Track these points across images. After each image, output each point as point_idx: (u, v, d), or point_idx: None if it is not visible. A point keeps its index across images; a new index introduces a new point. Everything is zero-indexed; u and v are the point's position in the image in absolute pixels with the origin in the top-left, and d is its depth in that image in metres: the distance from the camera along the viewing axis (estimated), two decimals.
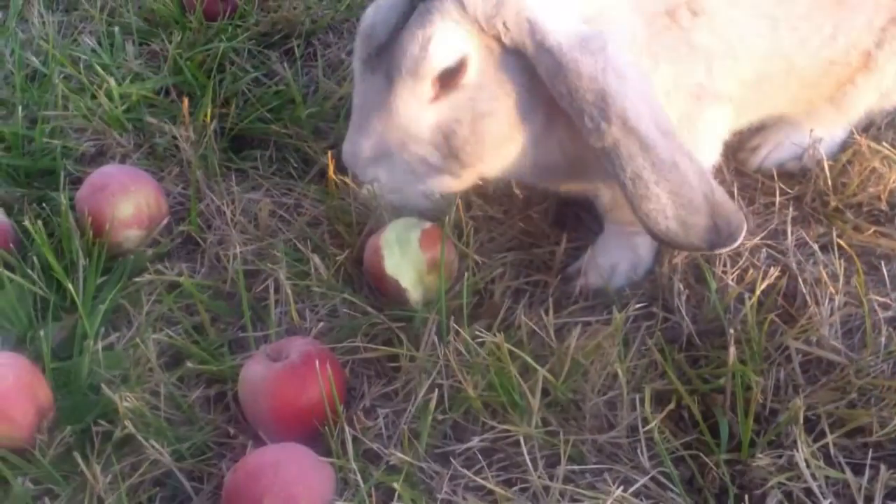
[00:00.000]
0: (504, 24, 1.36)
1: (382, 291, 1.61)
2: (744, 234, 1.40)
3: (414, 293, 1.58)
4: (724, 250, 1.43)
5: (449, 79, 1.39)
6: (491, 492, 1.32)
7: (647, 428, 1.37)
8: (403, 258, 1.57)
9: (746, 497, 1.32)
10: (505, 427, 1.38)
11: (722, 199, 1.39)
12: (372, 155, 1.49)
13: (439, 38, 1.37)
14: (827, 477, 1.31)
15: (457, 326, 1.49)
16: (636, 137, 1.33)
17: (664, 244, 1.52)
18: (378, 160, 1.49)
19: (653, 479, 1.34)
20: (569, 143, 1.47)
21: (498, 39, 1.38)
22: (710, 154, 1.62)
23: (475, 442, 1.39)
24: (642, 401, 1.39)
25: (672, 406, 1.41)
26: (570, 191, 1.69)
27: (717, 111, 1.57)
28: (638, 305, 1.57)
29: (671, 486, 1.33)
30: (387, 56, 1.41)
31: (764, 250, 1.65)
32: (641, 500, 1.31)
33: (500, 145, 1.46)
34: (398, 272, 1.57)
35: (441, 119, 1.42)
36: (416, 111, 1.42)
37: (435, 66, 1.38)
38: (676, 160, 1.35)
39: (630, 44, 1.43)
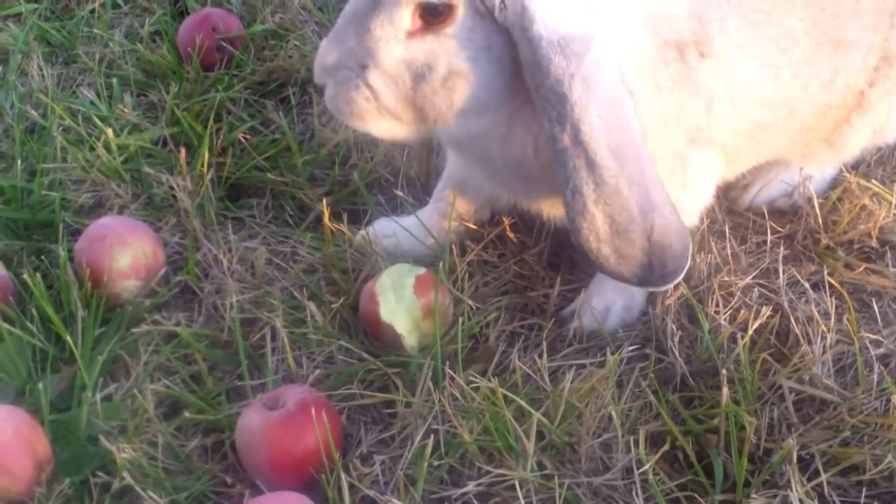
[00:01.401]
0: (502, 0, 1.35)
1: (378, 338, 1.62)
2: (678, 280, 1.39)
3: (409, 339, 1.59)
4: (653, 290, 1.41)
5: (432, 18, 1.36)
6: None
7: (642, 470, 1.37)
8: (399, 304, 1.59)
9: None
10: (501, 472, 1.39)
11: (666, 241, 1.37)
12: (332, 65, 1.44)
13: None
14: None
15: (452, 372, 1.51)
16: (583, 152, 1.32)
17: (596, 267, 1.49)
18: (335, 72, 1.44)
19: None
20: (542, 140, 1.44)
21: (492, 13, 1.36)
22: (700, 195, 1.63)
23: (471, 487, 1.39)
24: (637, 442, 1.40)
25: (667, 447, 1.41)
26: (556, 216, 1.67)
27: (709, 155, 1.57)
28: (632, 347, 1.58)
29: None
30: None
31: (756, 289, 1.67)
32: None
33: (469, 112, 1.43)
34: (393, 318, 1.58)
35: (411, 58, 1.39)
36: (390, 39, 1.39)
37: None
38: (620, 187, 1.33)
39: (632, 62, 1.41)
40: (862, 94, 1.69)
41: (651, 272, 1.38)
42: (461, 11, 1.36)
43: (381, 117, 1.46)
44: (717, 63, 1.48)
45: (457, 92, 1.40)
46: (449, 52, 1.38)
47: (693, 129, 1.51)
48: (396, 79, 1.41)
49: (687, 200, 1.56)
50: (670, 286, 1.41)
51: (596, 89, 1.32)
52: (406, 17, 1.37)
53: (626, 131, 1.35)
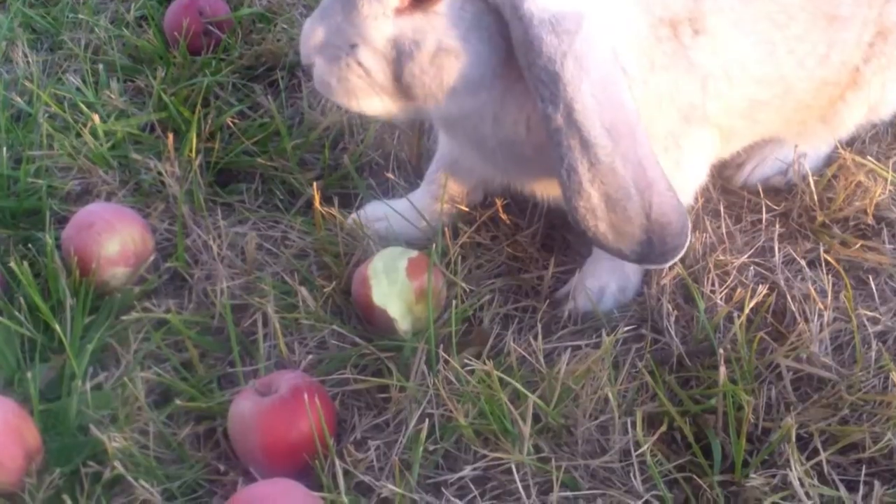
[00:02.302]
0: None
1: (371, 322, 1.60)
2: (678, 257, 1.39)
3: (402, 323, 1.57)
4: (653, 267, 1.40)
5: None
6: None
7: (639, 451, 1.36)
8: (391, 288, 1.57)
9: None
10: (497, 455, 1.37)
11: (665, 219, 1.36)
12: (320, 43, 1.43)
13: None
14: (821, 495, 1.31)
15: (446, 355, 1.49)
16: (577, 131, 1.31)
17: (593, 244, 1.49)
18: (324, 50, 1.43)
19: (647, 503, 1.33)
20: (535, 119, 1.43)
21: None
22: (694, 174, 1.62)
23: (467, 471, 1.38)
24: (634, 424, 1.39)
25: (664, 428, 1.40)
26: (550, 196, 1.66)
27: (703, 134, 1.56)
28: (627, 328, 1.56)
29: None
30: None
31: (752, 268, 1.65)
32: None
33: (459, 91, 1.41)
34: (386, 302, 1.57)
35: (400, 35, 1.37)
36: (378, 16, 1.37)
37: None
38: (616, 165, 1.32)
39: (628, 41, 1.40)
40: (857, 70, 1.67)
41: (651, 249, 1.38)
42: None
43: (373, 94, 1.44)
44: (712, 40, 1.47)
45: (446, 70, 1.38)
46: (438, 29, 1.36)
47: (687, 107, 1.50)
48: (387, 56, 1.39)
49: (681, 179, 1.54)
50: (670, 263, 1.40)
51: (589, 67, 1.30)
52: None
53: (619, 109, 1.33)
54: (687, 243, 1.39)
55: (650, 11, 1.43)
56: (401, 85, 1.41)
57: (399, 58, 1.38)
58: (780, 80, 1.56)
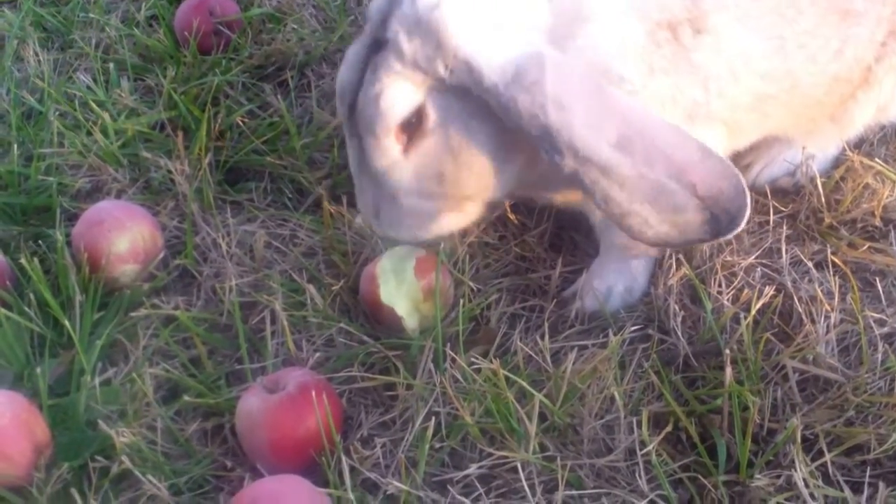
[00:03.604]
0: (445, 67, 1.34)
1: (379, 320, 1.61)
2: (748, 213, 1.31)
3: (410, 321, 1.58)
4: (728, 236, 1.36)
5: (413, 128, 1.39)
6: None
7: (644, 451, 1.36)
8: (399, 287, 1.57)
9: None
10: (502, 454, 1.38)
11: (715, 189, 1.30)
12: (374, 212, 1.49)
13: (387, 94, 1.36)
14: (826, 496, 1.30)
15: (453, 354, 1.50)
16: (592, 164, 1.29)
17: (665, 247, 1.49)
18: (381, 215, 1.49)
19: (651, 502, 1.33)
20: None
21: (446, 83, 1.36)
22: None
23: (473, 469, 1.38)
24: (640, 423, 1.39)
25: (669, 428, 1.40)
26: (569, 202, 1.65)
27: (709, 131, 1.56)
28: (634, 328, 1.57)
29: None
30: (355, 117, 1.42)
31: (759, 269, 1.65)
32: None
33: (492, 168, 1.43)
34: (394, 301, 1.57)
35: (419, 167, 1.41)
36: (392, 166, 1.42)
37: (391, 122, 1.37)
38: (643, 171, 1.29)
39: (625, 46, 1.40)
40: (869, 69, 1.67)
41: (718, 223, 1.32)
42: (428, 103, 1.37)
43: (436, 219, 1.48)
44: (715, 38, 1.47)
45: (475, 162, 1.41)
46: (442, 140, 1.39)
47: (691, 105, 1.50)
48: (422, 188, 1.43)
49: None
50: (741, 228, 1.32)
51: (571, 104, 1.29)
52: (392, 143, 1.40)
53: (619, 120, 1.31)
54: (748, 199, 1.31)
55: (646, 18, 1.42)
56: (452, 195, 1.45)
57: (435, 180, 1.43)
58: (788, 75, 1.55)
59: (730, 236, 1.33)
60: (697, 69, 1.47)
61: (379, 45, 1.38)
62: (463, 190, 1.45)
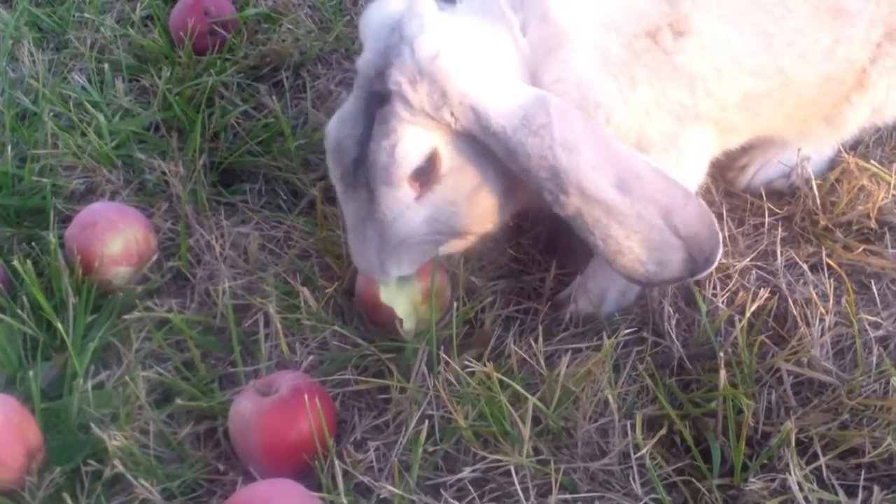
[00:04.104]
0: (451, 114, 1.37)
1: (376, 321, 1.60)
2: (720, 254, 1.42)
3: (408, 322, 1.57)
4: (704, 274, 1.43)
5: (426, 175, 1.41)
6: None
7: (638, 454, 1.36)
8: (399, 288, 1.57)
9: None
10: (496, 457, 1.38)
11: (693, 231, 1.40)
12: (380, 260, 1.49)
13: (402, 143, 1.38)
14: (820, 500, 1.30)
15: (447, 357, 1.49)
16: (597, 203, 1.35)
17: (644, 286, 1.54)
18: (388, 259, 1.49)
19: None
20: None
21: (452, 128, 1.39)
22: (693, 173, 1.62)
23: (466, 473, 1.38)
24: (634, 427, 1.38)
25: (664, 431, 1.40)
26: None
27: (698, 131, 1.56)
28: (628, 331, 1.56)
29: None
30: (363, 169, 1.42)
31: (754, 272, 1.65)
32: None
33: (498, 205, 1.47)
34: (394, 301, 1.56)
35: (432, 212, 1.44)
36: (405, 213, 1.43)
37: (405, 170, 1.39)
38: (640, 211, 1.36)
39: (601, 66, 1.44)
40: (863, 71, 1.66)
41: (695, 263, 1.42)
42: (441, 149, 1.40)
43: (448, 247, 1.52)
44: (698, 39, 1.48)
45: (486, 200, 1.46)
46: (455, 184, 1.43)
47: (678, 108, 1.51)
48: (434, 228, 1.46)
49: (683, 177, 1.54)
50: (714, 267, 1.43)
51: (578, 144, 1.34)
52: (407, 190, 1.42)
53: (618, 160, 1.38)
54: (721, 241, 1.42)
55: (621, 31, 1.45)
56: (460, 233, 1.49)
57: (446, 222, 1.45)
58: (778, 73, 1.56)
59: (703, 275, 1.44)
60: (681, 71, 1.48)
61: (380, 99, 1.40)
62: (472, 228, 1.48)
